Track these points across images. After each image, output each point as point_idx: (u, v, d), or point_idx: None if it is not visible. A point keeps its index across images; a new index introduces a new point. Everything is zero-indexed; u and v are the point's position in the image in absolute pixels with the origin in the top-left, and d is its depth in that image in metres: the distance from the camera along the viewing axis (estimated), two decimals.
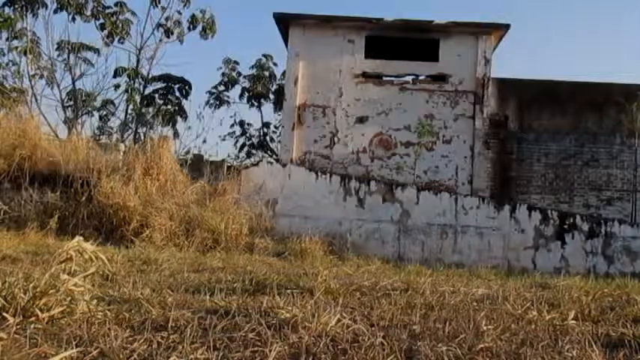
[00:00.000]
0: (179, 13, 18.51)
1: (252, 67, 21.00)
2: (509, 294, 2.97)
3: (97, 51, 18.16)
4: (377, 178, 12.59)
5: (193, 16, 18.55)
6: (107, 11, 18.10)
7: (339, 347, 1.69)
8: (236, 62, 21.13)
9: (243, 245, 9.38)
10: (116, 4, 18.23)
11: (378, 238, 10.80)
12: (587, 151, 14.31)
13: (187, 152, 16.85)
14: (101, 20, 18.03)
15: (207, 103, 20.78)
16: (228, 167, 13.17)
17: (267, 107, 21.53)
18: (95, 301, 2.09)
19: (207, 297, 2.54)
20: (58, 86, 18.16)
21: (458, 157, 14.25)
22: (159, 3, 18.21)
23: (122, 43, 18.40)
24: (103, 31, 17.98)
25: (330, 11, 19.88)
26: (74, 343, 1.61)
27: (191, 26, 18.60)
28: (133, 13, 18.54)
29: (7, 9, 17.18)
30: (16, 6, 17.15)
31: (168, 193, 10.04)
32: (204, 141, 23.78)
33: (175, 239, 9.10)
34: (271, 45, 42.17)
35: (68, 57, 18.03)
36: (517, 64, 37.95)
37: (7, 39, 17.17)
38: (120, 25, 18.03)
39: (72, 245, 2.52)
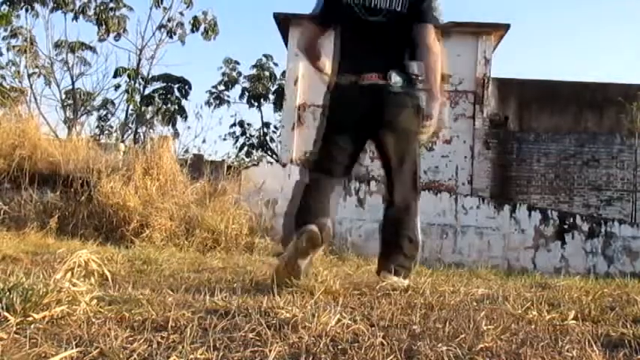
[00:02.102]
0: (181, 14, 18.43)
1: (253, 66, 21.02)
2: (509, 294, 2.96)
3: (93, 49, 18.12)
4: (377, 178, 12.58)
5: (195, 18, 18.49)
6: (102, 7, 17.93)
7: (339, 347, 1.68)
8: (237, 62, 21.15)
9: (243, 245, 9.36)
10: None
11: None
12: (587, 151, 14.31)
13: (186, 151, 16.85)
14: (95, 14, 17.84)
15: (207, 102, 20.82)
16: (228, 167, 13.16)
17: (267, 107, 21.55)
18: (95, 301, 2.09)
19: (207, 297, 2.55)
20: (58, 86, 18.16)
21: (458, 157, 14.25)
22: (161, 3, 18.12)
23: (117, 40, 18.27)
24: (100, 27, 17.85)
25: None
26: (74, 343, 1.60)
27: (194, 28, 18.50)
28: (130, 9, 18.43)
29: (4, 7, 17.13)
30: (17, 5, 17.08)
31: (168, 193, 10.02)
32: (204, 141, 23.88)
33: (175, 239, 9.08)
34: (271, 45, 42.19)
35: (67, 56, 18.02)
36: (517, 64, 37.94)
37: (5, 37, 17.19)
38: (117, 22, 17.89)
39: (79, 254, 2.52)
